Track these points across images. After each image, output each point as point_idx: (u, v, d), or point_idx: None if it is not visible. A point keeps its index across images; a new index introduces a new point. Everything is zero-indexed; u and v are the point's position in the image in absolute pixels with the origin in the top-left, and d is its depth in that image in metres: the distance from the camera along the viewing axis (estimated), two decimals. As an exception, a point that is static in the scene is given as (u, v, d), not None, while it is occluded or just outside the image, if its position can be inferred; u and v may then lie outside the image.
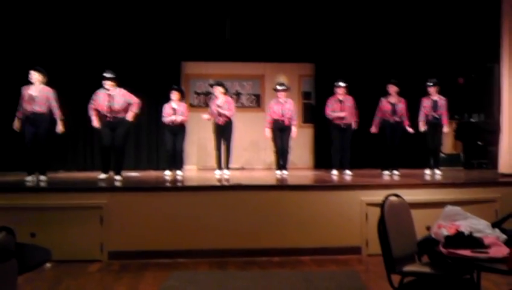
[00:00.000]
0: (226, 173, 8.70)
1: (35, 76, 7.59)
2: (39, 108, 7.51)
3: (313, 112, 11.48)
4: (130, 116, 8.08)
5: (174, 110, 8.85)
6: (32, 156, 7.59)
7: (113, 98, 7.94)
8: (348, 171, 8.70)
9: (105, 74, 8.02)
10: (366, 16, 10.97)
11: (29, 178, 7.47)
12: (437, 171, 8.65)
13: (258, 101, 11.73)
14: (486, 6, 9.52)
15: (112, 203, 6.48)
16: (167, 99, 9.00)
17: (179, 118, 8.81)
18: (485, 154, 10.59)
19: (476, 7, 10.25)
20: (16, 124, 7.64)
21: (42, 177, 7.62)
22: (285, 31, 10.99)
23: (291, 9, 10.87)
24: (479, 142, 10.85)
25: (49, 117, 7.63)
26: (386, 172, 8.72)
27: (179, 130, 8.93)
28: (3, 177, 8.27)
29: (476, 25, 10.36)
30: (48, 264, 5.84)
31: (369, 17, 10.98)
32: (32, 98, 7.48)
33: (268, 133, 8.84)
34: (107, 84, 7.99)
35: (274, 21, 10.89)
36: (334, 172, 8.79)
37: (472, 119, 11.17)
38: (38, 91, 7.54)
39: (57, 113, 7.66)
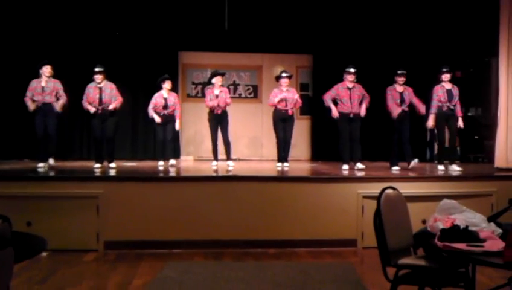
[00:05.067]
0: (230, 165, 8.61)
1: (49, 69, 8.22)
2: (49, 98, 8.13)
3: (311, 103, 11.46)
4: (112, 106, 8.31)
5: (165, 100, 8.85)
6: (44, 144, 8.23)
7: (102, 90, 8.29)
8: (359, 165, 8.13)
9: (95, 69, 8.33)
10: (364, 7, 10.92)
11: (41, 164, 8.02)
12: (456, 167, 8.03)
13: (255, 92, 11.71)
14: (484, 0, 9.49)
15: (108, 193, 6.48)
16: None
17: (170, 109, 8.94)
18: (482, 148, 10.61)
19: (474, 1, 10.22)
20: (31, 108, 8.12)
21: (51, 162, 8.32)
22: (284, 22, 10.93)
23: (289, 0, 10.83)
24: (476, 136, 10.87)
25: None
26: (396, 168, 8.25)
27: (169, 120, 8.94)
28: (0, 166, 8.27)
29: (474, 19, 10.32)
30: (44, 253, 5.83)
31: (367, 9, 10.93)
32: (43, 90, 8.11)
33: (282, 97, 8.49)
34: (97, 77, 8.30)
35: (272, 12, 10.84)
36: (345, 167, 8.14)
37: (469, 113, 11.18)
38: (47, 82, 8.16)
39: (63, 101, 8.26)
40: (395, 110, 8.30)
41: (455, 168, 8.04)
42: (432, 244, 3.24)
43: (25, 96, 8.18)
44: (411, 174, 7.71)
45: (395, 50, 10.90)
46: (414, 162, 8.28)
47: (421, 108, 8.43)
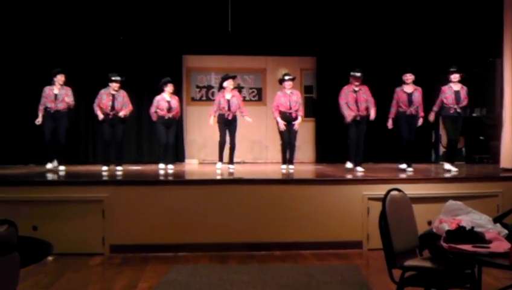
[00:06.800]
0: (230, 167, 8.68)
1: (63, 78, 8.58)
2: (61, 106, 8.50)
3: (315, 106, 11.46)
4: (122, 114, 8.58)
5: (168, 103, 8.84)
6: (50, 147, 8.66)
7: (115, 98, 8.55)
8: (359, 169, 8.16)
9: (113, 77, 8.56)
10: (367, 9, 10.91)
11: (49, 165, 8.61)
12: (452, 168, 8.16)
13: (259, 95, 11.71)
14: (488, 0, 9.47)
15: (113, 197, 6.49)
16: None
17: (174, 112, 8.94)
18: (487, 149, 10.57)
19: (478, 1, 10.20)
20: (39, 119, 8.51)
21: (61, 167, 8.55)
22: (287, 25, 10.94)
23: (293, 3, 10.83)
24: (481, 137, 10.83)
25: (68, 114, 8.72)
26: (403, 166, 8.26)
27: (172, 123, 8.94)
28: (6, 171, 8.30)
29: (478, 20, 10.31)
30: (50, 258, 5.85)
31: (370, 11, 10.92)
32: (55, 97, 8.47)
33: (282, 124, 8.48)
34: (114, 86, 8.57)
35: (276, 14, 10.85)
36: (349, 165, 8.42)
37: (474, 114, 11.15)
38: (60, 90, 8.55)
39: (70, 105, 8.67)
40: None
41: (452, 168, 8.10)
42: (437, 246, 3.23)
43: (39, 103, 8.50)
44: (416, 175, 7.68)
45: (399, 51, 10.88)
46: (408, 170, 8.15)
47: (421, 115, 8.37)
